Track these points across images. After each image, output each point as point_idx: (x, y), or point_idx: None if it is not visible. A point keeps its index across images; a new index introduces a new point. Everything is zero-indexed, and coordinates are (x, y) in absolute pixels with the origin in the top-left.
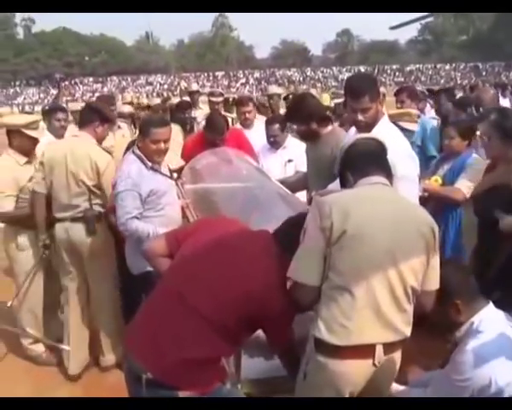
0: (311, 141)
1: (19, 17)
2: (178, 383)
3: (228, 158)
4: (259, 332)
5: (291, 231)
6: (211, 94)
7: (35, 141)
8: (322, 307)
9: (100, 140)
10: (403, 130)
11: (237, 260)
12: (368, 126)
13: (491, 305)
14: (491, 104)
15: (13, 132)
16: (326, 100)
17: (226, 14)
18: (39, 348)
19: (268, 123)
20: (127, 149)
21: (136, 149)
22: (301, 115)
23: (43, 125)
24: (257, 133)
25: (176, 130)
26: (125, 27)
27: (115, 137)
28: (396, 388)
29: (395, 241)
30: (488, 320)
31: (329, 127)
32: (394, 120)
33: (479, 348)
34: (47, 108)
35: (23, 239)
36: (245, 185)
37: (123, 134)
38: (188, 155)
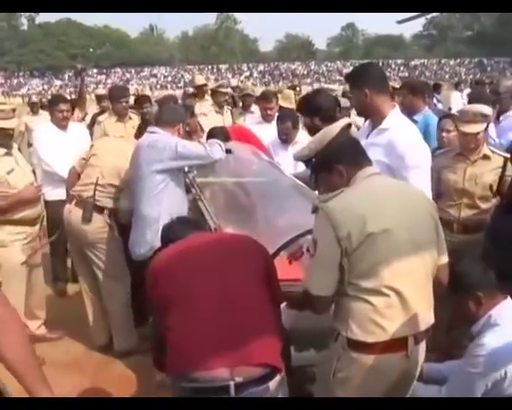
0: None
1: None
2: (271, 360)
3: (243, 153)
4: None
5: None
6: (219, 86)
7: (7, 131)
8: (351, 309)
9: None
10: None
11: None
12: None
13: (508, 299)
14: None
15: None
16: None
17: None
18: None
19: (280, 119)
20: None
21: None
22: (308, 109)
23: (45, 115)
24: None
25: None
26: (129, 19)
27: (126, 127)
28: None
29: (412, 228)
30: (506, 314)
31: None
32: None
33: (495, 341)
34: (48, 98)
35: (5, 234)
36: (259, 179)
37: (133, 125)
38: None
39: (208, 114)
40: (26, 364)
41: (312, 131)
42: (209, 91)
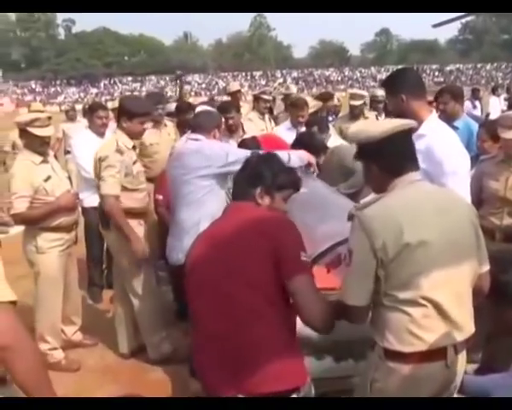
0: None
1: (60, 18)
2: (275, 386)
3: None
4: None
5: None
6: (262, 92)
7: (44, 139)
8: (387, 320)
9: (134, 136)
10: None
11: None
12: None
13: None
14: None
15: (22, 132)
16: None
17: (264, 13)
18: (59, 355)
19: (308, 125)
20: None
21: None
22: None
23: (83, 122)
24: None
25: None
26: (163, 27)
27: (161, 134)
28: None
29: (452, 237)
30: None
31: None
32: None
33: None
34: (87, 106)
35: (42, 241)
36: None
37: (168, 132)
38: None
39: (253, 120)
40: (38, 390)
41: (397, 114)
42: (245, 98)
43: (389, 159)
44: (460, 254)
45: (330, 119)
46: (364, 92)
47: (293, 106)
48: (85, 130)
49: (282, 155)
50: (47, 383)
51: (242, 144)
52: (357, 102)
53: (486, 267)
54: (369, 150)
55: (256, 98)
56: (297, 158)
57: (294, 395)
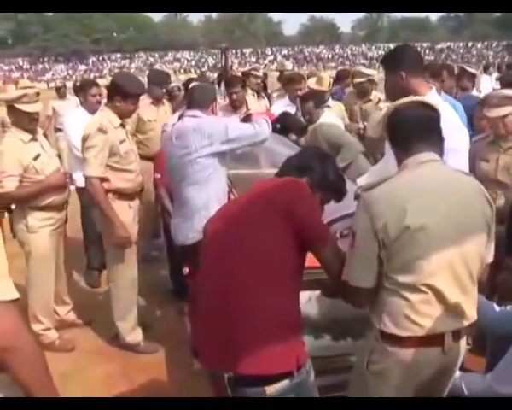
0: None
1: None
2: (265, 369)
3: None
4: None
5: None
6: (253, 69)
7: (33, 116)
8: (386, 303)
9: (124, 115)
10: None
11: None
12: None
13: None
14: None
15: (9, 108)
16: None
17: None
18: (52, 335)
19: (303, 100)
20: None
21: None
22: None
23: (75, 100)
24: None
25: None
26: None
27: (158, 111)
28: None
29: (458, 227)
30: None
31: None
32: None
33: None
34: (79, 83)
35: (33, 220)
36: None
37: (165, 110)
38: None
39: (250, 98)
40: (40, 391)
41: (396, 92)
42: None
43: (399, 137)
44: (465, 240)
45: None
46: (370, 70)
47: (290, 80)
48: (78, 108)
49: (248, 127)
50: (49, 384)
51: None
52: (360, 80)
53: (489, 260)
54: (386, 127)
55: (246, 75)
56: (263, 124)
57: (287, 381)
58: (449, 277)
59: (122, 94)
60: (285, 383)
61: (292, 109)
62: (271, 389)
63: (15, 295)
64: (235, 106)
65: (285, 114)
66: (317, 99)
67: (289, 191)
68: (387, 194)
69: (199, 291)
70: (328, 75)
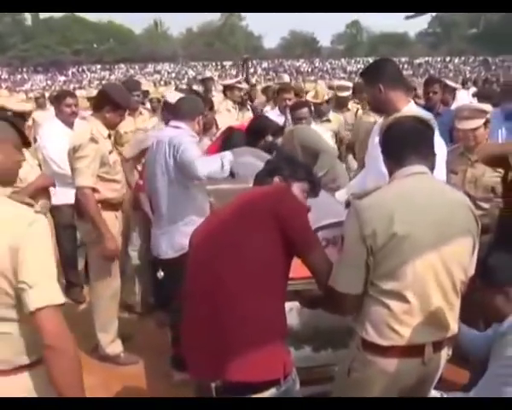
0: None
1: None
2: (253, 377)
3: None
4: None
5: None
6: (238, 82)
7: None
8: (369, 310)
9: (111, 126)
10: None
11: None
12: None
13: None
14: None
15: None
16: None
17: None
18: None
19: (296, 107)
20: None
21: None
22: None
23: (52, 110)
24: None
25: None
26: (133, 15)
27: (136, 122)
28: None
29: (443, 238)
30: None
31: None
32: None
33: None
34: (55, 93)
35: None
36: None
37: (143, 120)
38: None
39: (231, 110)
40: (71, 391)
41: (375, 104)
42: (216, 87)
43: (392, 150)
44: (449, 251)
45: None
46: (349, 83)
47: (280, 90)
48: (53, 119)
49: (216, 161)
50: (80, 386)
51: (226, 137)
52: (344, 94)
53: (471, 273)
54: (381, 140)
55: (230, 88)
56: (227, 161)
57: (274, 389)
58: (432, 286)
59: (112, 105)
60: (272, 391)
61: (282, 119)
62: (262, 395)
63: (62, 299)
64: (204, 128)
65: (260, 117)
66: (309, 107)
67: (273, 195)
68: (377, 202)
69: (186, 301)
70: (324, 88)
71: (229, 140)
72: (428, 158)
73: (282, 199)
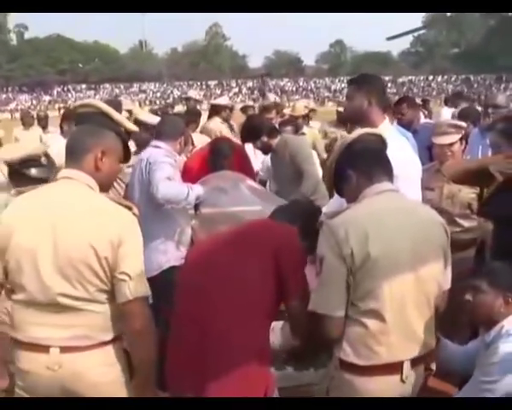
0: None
1: (11, 23)
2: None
3: (232, 181)
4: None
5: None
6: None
7: None
8: (347, 331)
9: None
10: None
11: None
12: None
13: None
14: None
15: None
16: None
17: (220, 23)
18: None
19: (281, 125)
20: None
21: None
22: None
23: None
24: None
25: None
26: (118, 35)
27: None
28: None
29: (418, 256)
30: None
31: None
32: None
33: (509, 352)
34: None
35: None
36: (253, 209)
37: None
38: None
39: (223, 130)
40: (149, 368)
41: (355, 114)
42: (201, 106)
43: (362, 165)
44: (423, 268)
45: None
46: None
47: (264, 110)
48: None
49: (182, 191)
50: (154, 365)
51: (215, 146)
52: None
53: (446, 287)
54: (347, 156)
55: (222, 107)
56: (194, 196)
57: None
58: (409, 304)
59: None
60: None
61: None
62: None
63: (148, 292)
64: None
65: (254, 117)
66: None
67: (282, 237)
68: (349, 221)
69: (174, 318)
70: (302, 104)
71: (217, 149)
72: (390, 175)
73: (289, 247)
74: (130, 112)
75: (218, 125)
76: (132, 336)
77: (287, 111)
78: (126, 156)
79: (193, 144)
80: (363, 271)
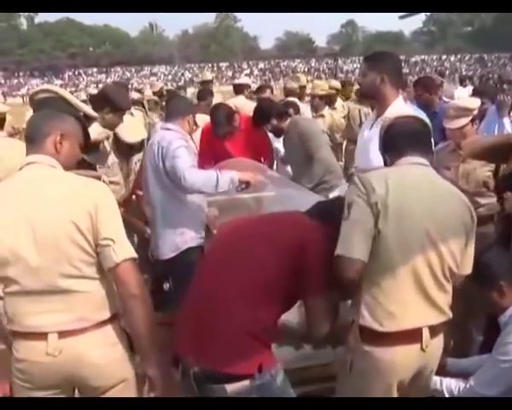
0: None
1: None
2: (228, 368)
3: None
4: (286, 318)
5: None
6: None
7: None
8: (364, 293)
9: (110, 127)
10: None
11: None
12: None
13: None
14: None
15: None
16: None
17: None
18: None
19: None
20: None
21: None
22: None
23: None
24: None
25: None
26: (129, 18)
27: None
28: (435, 380)
29: (433, 222)
30: None
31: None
32: None
33: None
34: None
35: None
36: (267, 195)
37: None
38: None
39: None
40: (149, 337)
41: (370, 91)
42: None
43: (393, 146)
44: (440, 243)
45: None
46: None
47: (257, 90)
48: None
49: (211, 177)
50: (154, 333)
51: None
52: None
53: (465, 272)
54: (383, 138)
55: (245, 86)
56: (226, 181)
57: (247, 381)
58: (424, 266)
59: (112, 106)
60: (245, 383)
61: None
62: (231, 388)
63: (135, 254)
64: None
65: (264, 100)
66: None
67: (312, 233)
68: (379, 177)
69: (189, 291)
70: (323, 83)
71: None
72: (428, 155)
73: (315, 243)
74: (140, 91)
75: (243, 102)
76: (126, 301)
77: (309, 89)
78: (86, 141)
79: (196, 125)
80: (382, 223)
